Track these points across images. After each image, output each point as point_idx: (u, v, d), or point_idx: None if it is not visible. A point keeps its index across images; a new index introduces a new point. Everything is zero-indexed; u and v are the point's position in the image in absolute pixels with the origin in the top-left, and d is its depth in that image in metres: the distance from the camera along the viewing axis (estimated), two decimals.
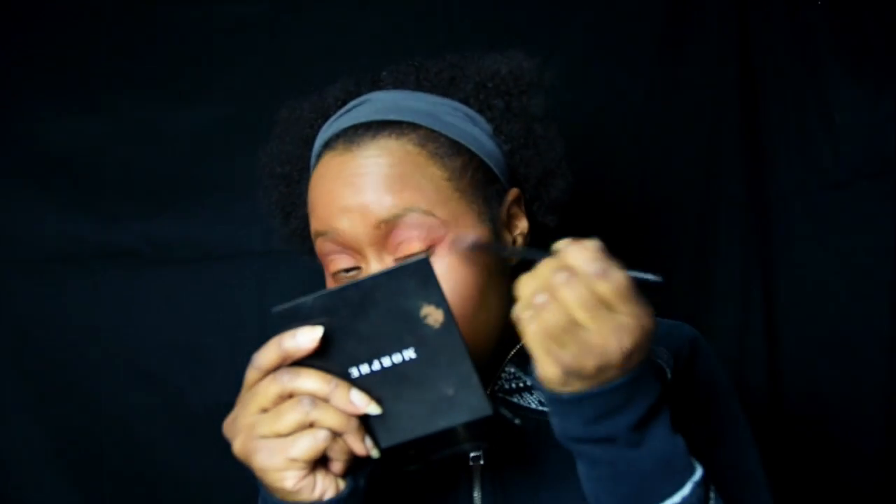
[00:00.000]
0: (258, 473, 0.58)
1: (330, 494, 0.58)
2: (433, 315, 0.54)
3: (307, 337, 0.55)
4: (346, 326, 0.55)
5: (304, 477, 0.57)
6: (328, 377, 0.56)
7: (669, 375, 0.74)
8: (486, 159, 0.75)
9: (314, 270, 1.24)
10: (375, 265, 0.69)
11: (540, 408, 0.74)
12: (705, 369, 0.77)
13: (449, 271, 0.67)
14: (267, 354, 0.57)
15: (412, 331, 0.55)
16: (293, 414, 0.56)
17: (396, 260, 0.69)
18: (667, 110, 1.22)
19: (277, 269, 1.19)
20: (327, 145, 0.75)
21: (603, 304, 0.52)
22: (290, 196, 0.84)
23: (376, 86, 0.80)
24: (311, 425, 0.56)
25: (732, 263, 1.21)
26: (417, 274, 0.53)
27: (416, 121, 0.73)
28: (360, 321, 0.55)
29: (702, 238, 1.22)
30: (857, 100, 1.13)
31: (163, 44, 1.24)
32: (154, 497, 1.20)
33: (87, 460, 1.19)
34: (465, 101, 0.77)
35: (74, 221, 1.21)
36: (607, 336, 0.52)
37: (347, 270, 0.71)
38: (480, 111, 0.78)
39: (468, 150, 0.74)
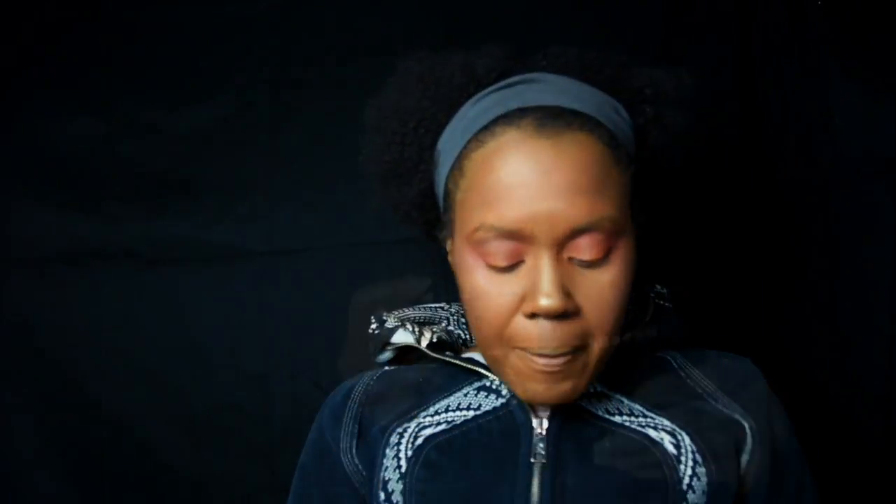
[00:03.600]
0: None
1: None
2: None
3: None
4: None
5: None
6: None
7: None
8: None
9: (314, 271, 1.25)
10: (547, 263, 0.66)
11: (606, 416, 0.74)
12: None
13: (621, 277, 0.69)
14: None
15: None
16: None
17: (570, 261, 0.67)
18: None
19: (277, 269, 1.19)
20: (507, 119, 0.69)
21: None
22: (417, 158, 0.78)
23: (538, 66, 0.76)
24: None
25: (732, 263, 1.21)
26: None
27: (601, 118, 0.70)
28: None
29: (701, 238, 1.22)
30: (857, 100, 1.13)
31: (163, 44, 1.24)
32: (154, 497, 1.20)
33: (87, 460, 1.19)
34: (622, 101, 0.76)
35: (74, 221, 1.21)
36: None
37: (505, 268, 0.68)
38: (631, 114, 0.76)
39: (631, 160, 0.73)
